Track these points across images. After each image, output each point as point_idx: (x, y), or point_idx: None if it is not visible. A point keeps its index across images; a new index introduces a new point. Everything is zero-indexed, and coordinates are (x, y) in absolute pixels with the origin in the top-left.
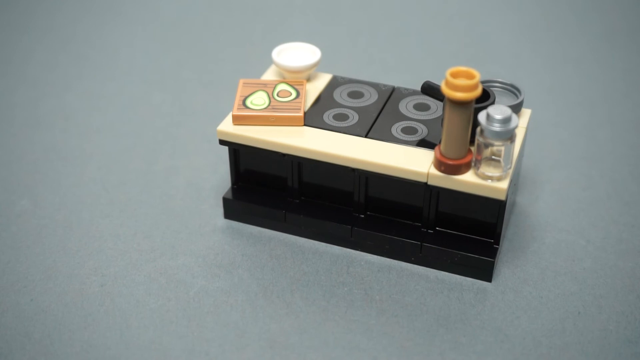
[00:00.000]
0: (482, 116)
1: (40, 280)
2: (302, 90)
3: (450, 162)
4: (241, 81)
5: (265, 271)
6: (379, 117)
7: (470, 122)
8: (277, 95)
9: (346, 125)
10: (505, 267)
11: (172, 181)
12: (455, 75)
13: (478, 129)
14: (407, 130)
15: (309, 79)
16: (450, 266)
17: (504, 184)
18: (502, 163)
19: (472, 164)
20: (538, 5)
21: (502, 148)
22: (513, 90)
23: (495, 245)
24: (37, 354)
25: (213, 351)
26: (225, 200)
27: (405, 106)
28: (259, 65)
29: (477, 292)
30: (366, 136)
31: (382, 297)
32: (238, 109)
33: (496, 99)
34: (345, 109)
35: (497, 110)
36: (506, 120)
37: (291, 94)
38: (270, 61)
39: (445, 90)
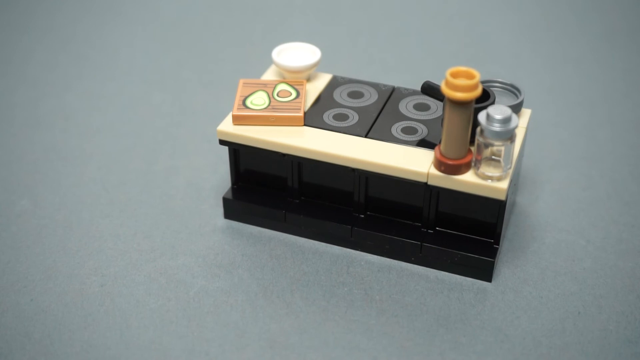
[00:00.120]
0: (482, 116)
1: (40, 280)
2: (302, 90)
3: (450, 162)
4: (241, 81)
5: (265, 271)
6: (379, 117)
7: (470, 122)
8: (277, 95)
9: (346, 125)
10: (505, 267)
11: (172, 181)
12: (455, 75)
13: (478, 129)
14: (407, 130)
15: (309, 79)
16: (450, 266)
17: (504, 184)
18: (502, 163)
19: (472, 164)
20: (538, 5)
21: (502, 148)
22: (513, 90)
23: (495, 245)
24: (37, 354)
25: (213, 351)
26: (225, 200)
27: (405, 106)
28: (259, 65)
29: (477, 292)
30: (366, 136)
31: (382, 297)
32: (238, 109)
33: (496, 99)
34: (345, 109)
35: (497, 110)
36: (506, 120)
37: (291, 94)
38: (270, 61)
39: (445, 90)
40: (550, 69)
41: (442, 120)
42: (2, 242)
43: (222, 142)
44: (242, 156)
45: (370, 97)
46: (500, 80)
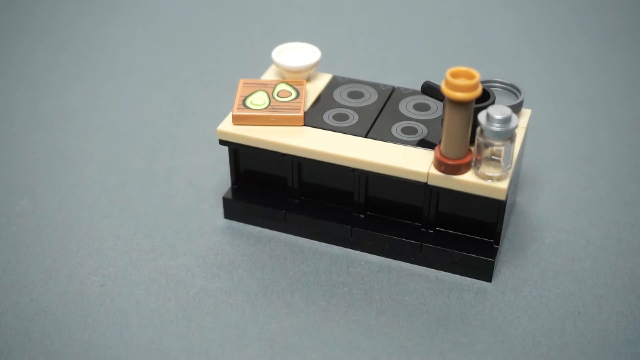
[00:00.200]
0: (482, 116)
1: (40, 280)
2: (302, 90)
3: (450, 162)
4: (241, 81)
5: (265, 271)
6: (379, 117)
7: (470, 122)
8: (277, 95)
9: (346, 125)
10: (505, 267)
11: (172, 181)
12: (455, 75)
13: (478, 129)
14: (407, 130)
15: (309, 79)
16: (450, 266)
17: (504, 184)
18: (502, 163)
19: (472, 164)
20: (538, 5)
21: (502, 148)
22: (513, 90)
23: (495, 245)
24: (37, 354)
25: (213, 351)
26: (225, 200)
27: (405, 106)
28: (259, 65)
29: (477, 292)
30: (366, 136)
31: (382, 297)
32: (238, 109)
33: (496, 99)
34: (345, 109)
35: (497, 110)
36: (506, 120)
37: (291, 94)
38: (270, 61)
39: (445, 90)
40: (550, 69)
41: (442, 120)
42: (2, 242)
43: (222, 142)
44: (242, 156)
45: (370, 97)
46: (500, 80)
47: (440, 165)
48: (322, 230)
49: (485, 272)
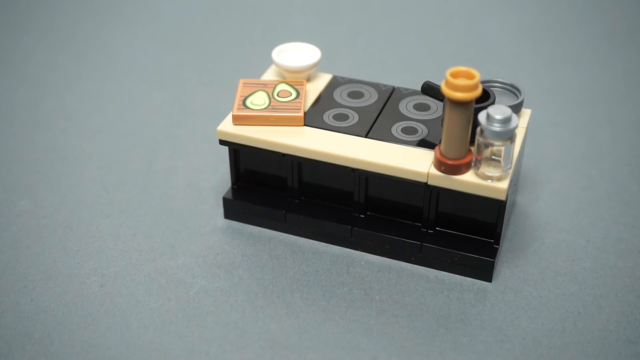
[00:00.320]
0: (482, 116)
1: (40, 280)
2: (302, 90)
3: (450, 162)
4: (241, 81)
5: (265, 271)
6: (379, 117)
7: (470, 122)
8: (277, 95)
9: (346, 125)
10: (505, 267)
11: (172, 181)
12: (455, 75)
13: (478, 129)
14: (407, 130)
15: (309, 79)
16: (450, 266)
17: (504, 184)
18: (502, 163)
19: (472, 164)
20: (538, 5)
21: (502, 148)
22: (513, 90)
23: (495, 245)
24: (37, 354)
25: (213, 351)
26: (225, 200)
27: (405, 106)
28: (259, 65)
29: (477, 292)
30: (366, 136)
31: (382, 297)
32: (238, 109)
33: (496, 99)
34: (345, 109)
35: (497, 110)
36: (506, 120)
37: (291, 94)
38: (270, 61)
39: (445, 90)
40: (550, 69)
41: (442, 120)
42: (2, 242)
43: (222, 142)
44: (242, 156)
45: (370, 97)
46: (500, 80)
47: (440, 165)
48: (322, 230)
49: (485, 272)
